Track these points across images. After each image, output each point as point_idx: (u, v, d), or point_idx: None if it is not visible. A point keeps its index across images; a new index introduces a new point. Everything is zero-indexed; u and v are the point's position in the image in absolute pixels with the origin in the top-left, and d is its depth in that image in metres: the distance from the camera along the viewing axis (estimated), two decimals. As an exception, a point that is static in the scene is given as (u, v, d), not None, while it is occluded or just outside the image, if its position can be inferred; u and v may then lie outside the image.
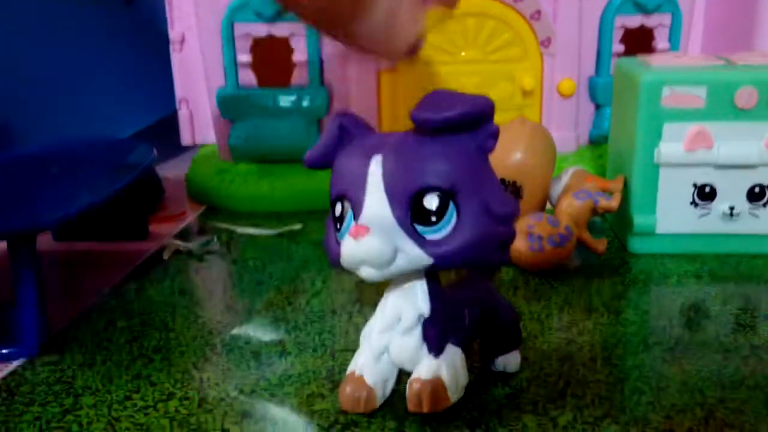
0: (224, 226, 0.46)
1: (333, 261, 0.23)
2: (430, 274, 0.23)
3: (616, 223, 0.43)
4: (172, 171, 0.57)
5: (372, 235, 0.21)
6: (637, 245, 0.40)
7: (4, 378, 0.30)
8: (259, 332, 0.33)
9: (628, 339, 0.31)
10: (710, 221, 0.39)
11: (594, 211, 0.39)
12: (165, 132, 0.58)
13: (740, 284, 0.36)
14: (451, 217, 0.21)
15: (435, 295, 0.23)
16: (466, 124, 0.21)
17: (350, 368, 0.25)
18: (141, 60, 0.61)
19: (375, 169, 0.21)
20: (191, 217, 0.49)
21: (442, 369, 0.24)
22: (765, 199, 0.38)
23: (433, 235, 0.21)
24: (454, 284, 0.26)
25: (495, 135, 0.21)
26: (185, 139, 0.55)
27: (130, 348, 0.32)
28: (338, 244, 0.22)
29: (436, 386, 0.23)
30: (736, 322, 0.32)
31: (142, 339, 0.33)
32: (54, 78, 0.56)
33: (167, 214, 0.49)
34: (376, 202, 0.21)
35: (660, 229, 0.39)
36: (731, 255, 0.39)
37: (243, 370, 0.30)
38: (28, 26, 0.55)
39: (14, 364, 0.31)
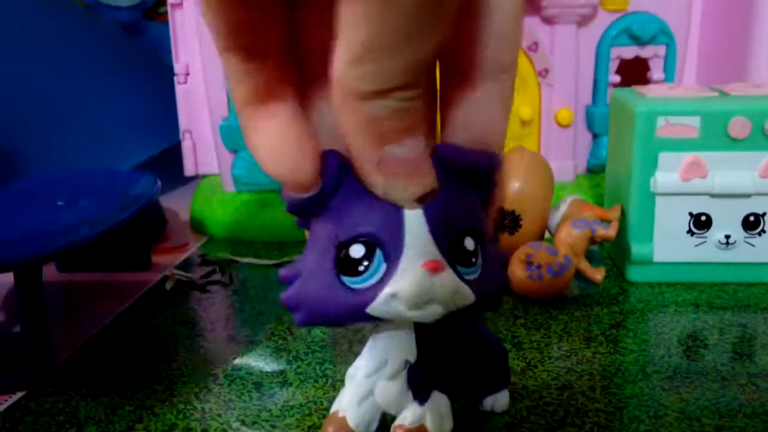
0: (226, 256, 0.47)
1: (338, 311, 0.21)
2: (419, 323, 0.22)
3: (613, 251, 0.43)
4: (174, 202, 0.58)
5: (445, 271, 0.20)
6: (634, 274, 0.40)
7: (8, 408, 0.30)
8: (261, 362, 0.33)
9: (626, 368, 0.31)
10: (707, 250, 0.39)
11: (592, 239, 0.39)
12: (168, 162, 0.59)
13: (737, 313, 0.37)
14: (480, 260, 0.21)
15: (423, 341, 0.23)
16: (489, 176, 0.22)
17: (334, 407, 0.25)
18: (145, 91, 0.62)
19: (414, 211, 0.20)
20: (194, 247, 0.50)
21: (427, 417, 0.23)
22: (760, 228, 0.38)
23: (471, 275, 0.21)
24: (443, 324, 0.26)
25: (494, 188, 0.22)
26: (188, 169, 0.55)
27: (133, 378, 0.32)
28: (351, 291, 0.20)
29: None
30: (734, 351, 0.33)
31: (145, 369, 0.33)
32: (57, 109, 0.57)
33: (170, 245, 0.50)
34: (422, 242, 0.20)
35: (657, 257, 0.39)
36: (728, 283, 0.40)
37: (245, 401, 0.30)
38: (30, 57, 0.56)
39: (18, 395, 0.31)
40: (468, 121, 0.21)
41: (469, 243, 0.21)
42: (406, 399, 0.24)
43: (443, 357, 0.24)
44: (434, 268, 0.20)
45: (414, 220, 0.20)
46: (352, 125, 0.19)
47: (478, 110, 0.21)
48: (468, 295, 0.21)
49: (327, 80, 0.18)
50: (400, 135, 0.19)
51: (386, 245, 0.20)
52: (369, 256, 0.20)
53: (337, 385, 0.30)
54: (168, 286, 0.42)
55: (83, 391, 0.31)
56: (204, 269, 0.45)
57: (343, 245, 0.21)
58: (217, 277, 0.44)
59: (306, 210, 0.21)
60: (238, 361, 0.33)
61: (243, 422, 0.28)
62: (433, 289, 0.20)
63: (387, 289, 0.20)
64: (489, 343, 0.27)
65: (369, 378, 0.24)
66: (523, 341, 0.34)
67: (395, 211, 0.20)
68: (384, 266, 0.20)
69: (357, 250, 0.20)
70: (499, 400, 0.28)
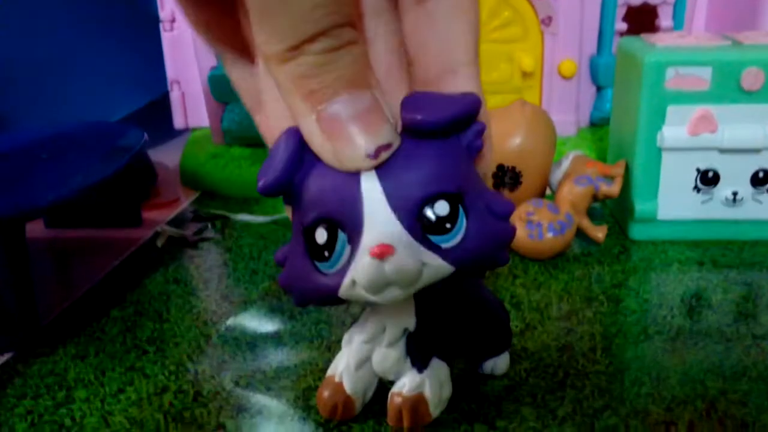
0: (219, 212, 0.46)
1: (314, 297, 0.20)
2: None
3: (616, 209, 0.42)
4: (164, 155, 0.56)
5: (399, 252, 0.19)
6: (638, 232, 0.39)
7: (-5, 371, 0.29)
8: (255, 323, 0.32)
9: (628, 328, 0.31)
10: (713, 207, 0.38)
11: (595, 197, 0.38)
12: (157, 115, 0.57)
13: (742, 271, 0.36)
14: (462, 222, 0.19)
15: (422, 309, 0.22)
16: (461, 124, 0.19)
17: (330, 371, 0.24)
18: (130, 40, 0.60)
19: (370, 183, 0.18)
20: (185, 203, 0.49)
21: (425, 384, 0.23)
22: (769, 184, 0.37)
23: (448, 242, 0.19)
24: (443, 290, 0.24)
25: (481, 133, 0.20)
26: (178, 122, 0.53)
27: (124, 339, 0.31)
28: (324, 275, 0.20)
29: (417, 402, 0.23)
30: (738, 311, 0.32)
31: (136, 330, 0.32)
32: (41, 60, 0.55)
33: (160, 201, 0.49)
34: (382, 219, 0.19)
35: (661, 215, 0.38)
36: (734, 241, 0.39)
37: (238, 362, 0.29)
38: (13, 10, 0.54)
39: (5, 357, 0.30)
40: (425, 41, 0.20)
41: (442, 208, 0.19)
42: (405, 366, 0.23)
43: (443, 324, 0.24)
44: (381, 254, 0.18)
45: (372, 195, 0.19)
46: (283, 91, 0.18)
47: (434, 26, 0.19)
48: (441, 268, 0.19)
49: None
50: (332, 90, 0.18)
51: (347, 226, 0.19)
52: (332, 240, 0.19)
53: (332, 346, 0.30)
54: (159, 243, 0.41)
55: (72, 352, 0.30)
56: (196, 225, 0.44)
57: (308, 230, 0.20)
58: (209, 233, 0.43)
59: (275, 191, 0.20)
60: (231, 321, 0.33)
61: (237, 383, 0.28)
62: (385, 274, 0.19)
63: (347, 277, 0.19)
64: (490, 306, 0.26)
65: (367, 344, 0.23)
66: (522, 301, 0.33)
67: (352, 187, 0.19)
68: (348, 249, 0.19)
69: (320, 235, 0.19)
70: (499, 363, 0.27)
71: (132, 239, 0.43)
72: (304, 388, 0.27)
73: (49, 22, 0.56)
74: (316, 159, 0.19)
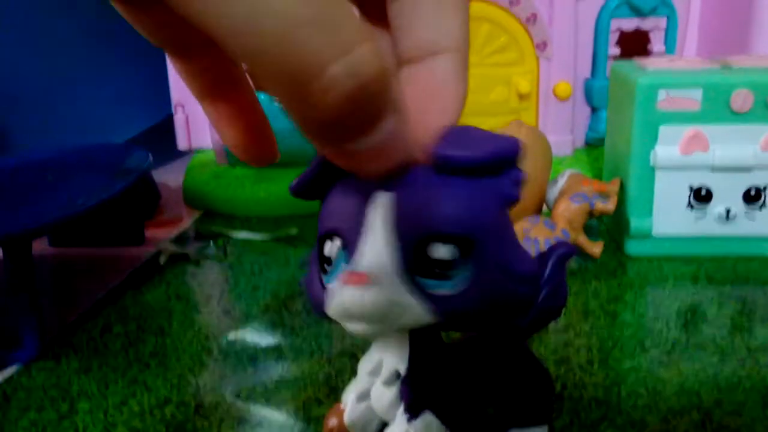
0: (220, 230, 0.46)
1: (316, 307, 0.19)
2: (416, 329, 0.19)
3: (612, 225, 0.43)
4: (168, 176, 0.57)
5: (371, 286, 0.17)
6: (633, 248, 0.40)
7: (0, 384, 0.30)
8: (256, 337, 0.33)
9: (624, 341, 0.31)
10: (706, 223, 0.39)
11: (590, 213, 0.39)
12: (161, 137, 0.58)
13: (737, 286, 0.36)
14: (465, 271, 0.17)
15: (417, 354, 0.20)
16: (494, 166, 0.18)
17: (342, 398, 0.23)
18: (136, 64, 0.61)
19: (378, 207, 0.17)
20: (187, 222, 0.49)
21: None
22: (761, 201, 0.38)
23: (441, 289, 0.17)
24: (462, 341, 0.22)
25: (520, 183, 0.18)
26: (181, 143, 0.54)
27: (126, 353, 0.32)
28: (324, 288, 0.19)
29: None
30: (733, 325, 0.32)
31: (138, 344, 0.32)
32: (47, 83, 0.56)
33: (164, 219, 0.49)
34: (376, 246, 0.17)
35: (656, 231, 0.39)
36: (728, 257, 0.39)
37: (239, 375, 0.30)
38: (19, 31, 0.55)
39: (10, 370, 0.31)
40: (409, 25, 0.17)
41: (442, 251, 0.17)
42: (397, 411, 0.21)
43: (443, 377, 0.21)
44: (350, 282, 0.17)
45: (376, 219, 0.17)
46: (306, 132, 0.15)
47: (418, 10, 0.17)
48: (421, 315, 0.17)
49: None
50: (358, 130, 0.15)
51: (348, 244, 0.18)
52: (333, 253, 0.18)
53: (332, 359, 0.30)
54: (162, 260, 0.42)
55: (75, 366, 0.31)
56: (198, 243, 0.44)
57: (321, 239, 0.19)
58: (211, 251, 0.43)
59: (300, 193, 0.19)
60: (232, 335, 0.33)
61: (238, 396, 0.28)
62: (349, 305, 0.17)
63: (327, 297, 0.18)
64: (525, 368, 0.23)
65: (370, 376, 0.22)
66: (520, 315, 0.34)
67: (363, 207, 0.17)
68: (342, 266, 0.18)
69: (328, 247, 0.18)
70: None
71: (135, 257, 0.43)
72: (304, 399, 0.28)
73: (56, 45, 0.57)
74: (345, 173, 0.18)
